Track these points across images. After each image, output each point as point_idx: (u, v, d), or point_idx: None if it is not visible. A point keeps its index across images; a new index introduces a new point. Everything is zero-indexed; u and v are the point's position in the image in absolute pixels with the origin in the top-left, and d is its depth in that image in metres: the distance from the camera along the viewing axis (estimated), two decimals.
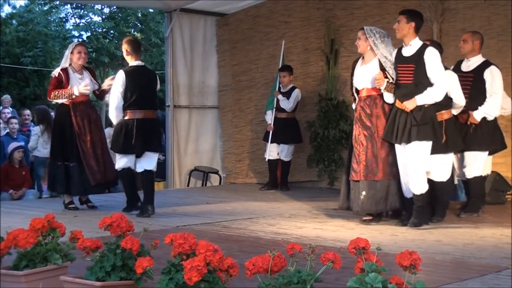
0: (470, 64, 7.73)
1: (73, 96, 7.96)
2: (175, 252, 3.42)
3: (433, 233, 6.57)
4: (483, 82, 7.58)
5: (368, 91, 7.06)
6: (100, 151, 8.10)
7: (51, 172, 8.22)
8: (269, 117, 10.32)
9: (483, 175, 7.95)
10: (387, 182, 6.98)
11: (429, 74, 6.78)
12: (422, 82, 6.77)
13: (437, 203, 7.27)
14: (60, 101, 8.05)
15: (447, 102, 7.18)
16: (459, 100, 7.33)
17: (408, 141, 6.75)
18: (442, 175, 7.26)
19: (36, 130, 10.61)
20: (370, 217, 7.08)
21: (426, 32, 8.26)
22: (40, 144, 10.40)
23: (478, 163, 7.68)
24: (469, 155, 7.64)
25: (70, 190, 8.14)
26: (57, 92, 7.94)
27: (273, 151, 10.28)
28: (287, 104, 10.16)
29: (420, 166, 6.82)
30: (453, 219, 7.47)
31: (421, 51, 6.82)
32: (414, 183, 6.82)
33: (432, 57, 6.79)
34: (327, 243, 5.86)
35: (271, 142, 10.24)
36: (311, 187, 10.80)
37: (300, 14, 11.15)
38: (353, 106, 7.43)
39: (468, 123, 7.57)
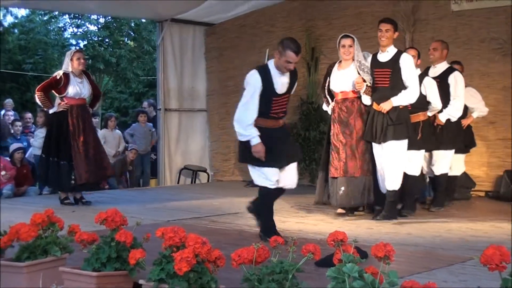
0: (436, 70, 7.81)
1: (46, 110, 8.25)
2: (166, 245, 3.41)
3: (405, 227, 6.60)
4: (447, 86, 7.65)
5: (346, 94, 7.08)
6: (92, 151, 8.06)
7: (44, 167, 8.19)
8: None
9: (458, 173, 8.08)
10: (364, 178, 7.01)
11: (404, 78, 6.82)
12: (397, 86, 6.81)
13: (407, 196, 7.31)
14: (38, 101, 8.08)
15: (423, 105, 7.28)
16: (436, 104, 7.43)
17: (385, 140, 6.79)
18: (414, 170, 7.33)
19: (43, 132, 10.48)
20: (343, 211, 7.11)
21: (399, 41, 8.30)
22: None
23: (445, 161, 7.76)
24: (437, 154, 7.73)
25: (60, 186, 8.13)
26: (44, 95, 7.96)
27: None
28: None
29: (396, 164, 6.85)
30: (423, 213, 7.51)
31: (396, 57, 6.86)
32: (390, 180, 6.85)
33: (407, 62, 6.84)
34: (308, 236, 5.87)
35: None
36: None
37: (283, 24, 11.16)
38: (324, 106, 7.45)
39: (435, 124, 7.63)
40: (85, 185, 8.10)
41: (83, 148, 7.96)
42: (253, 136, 5.46)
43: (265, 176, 5.64)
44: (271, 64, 5.67)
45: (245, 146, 5.60)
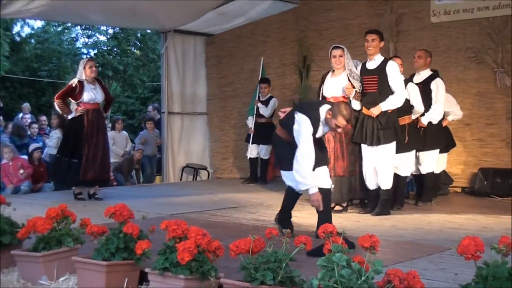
0: (420, 77, 7.81)
1: (65, 116, 8.33)
2: (169, 236, 3.41)
3: (390, 219, 6.60)
4: (430, 91, 7.66)
5: (336, 99, 7.06)
6: (101, 153, 8.08)
7: (56, 164, 8.25)
8: (250, 121, 10.31)
9: (439, 171, 8.09)
10: (352, 177, 7.03)
11: (390, 84, 6.81)
12: (385, 91, 6.81)
13: (399, 194, 7.31)
14: (57, 108, 8.09)
15: (407, 108, 7.28)
16: (419, 107, 7.43)
17: (377, 144, 6.78)
18: (406, 171, 7.34)
19: (58, 133, 10.48)
20: (341, 208, 7.11)
21: (383, 50, 8.31)
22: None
23: (430, 160, 7.76)
24: (422, 154, 7.73)
25: (66, 182, 8.19)
26: (62, 102, 7.98)
27: (253, 151, 10.27)
28: (265, 111, 10.15)
29: (388, 165, 6.85)
30: (406, 207, 7.49)
31: (383, 65, 6.86)
32: (383, 180, 6.84)
33: (393, 69, 6.83)
34: (300, 228, 5.86)
35: (252, 143, 10.22)
36: None
37: (277, 34, 11.16)
38: None
39: (418, 126, 7.63)
40: (89, 182, 8.10)
41: (94, 150, 7.97)
42: (313, 186, 5.34)
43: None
44: (322, 114, 5.40)
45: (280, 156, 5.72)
